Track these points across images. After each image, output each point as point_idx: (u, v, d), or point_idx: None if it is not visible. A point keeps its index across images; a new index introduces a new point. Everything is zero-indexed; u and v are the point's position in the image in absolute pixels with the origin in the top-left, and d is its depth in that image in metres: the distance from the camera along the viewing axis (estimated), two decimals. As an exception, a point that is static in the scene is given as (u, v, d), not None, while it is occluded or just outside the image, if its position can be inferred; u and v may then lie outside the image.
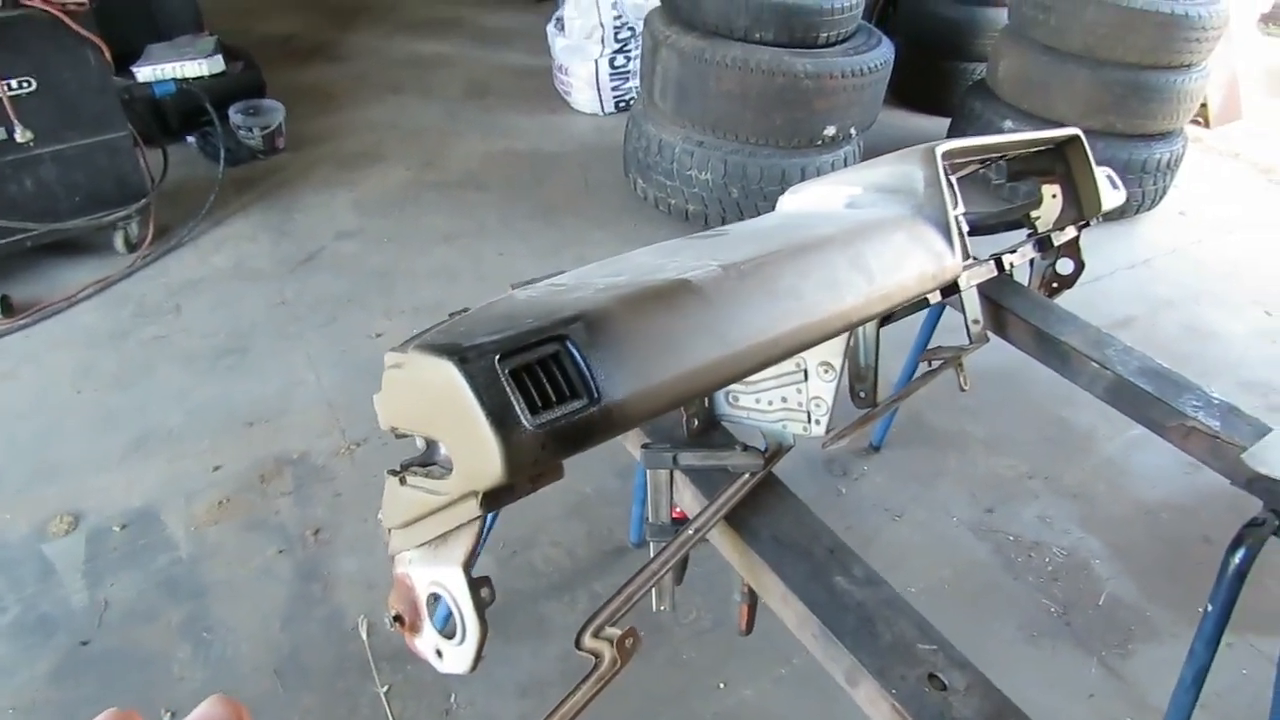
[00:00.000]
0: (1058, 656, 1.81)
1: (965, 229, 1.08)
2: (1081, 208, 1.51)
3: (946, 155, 1.03)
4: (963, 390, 1.41)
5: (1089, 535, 2.10)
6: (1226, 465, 1.20)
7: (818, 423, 1.00)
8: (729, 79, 2.77)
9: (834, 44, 2.93)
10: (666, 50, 2.86)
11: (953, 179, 1.04)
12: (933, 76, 4.24)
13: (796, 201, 1.10)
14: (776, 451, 1.06)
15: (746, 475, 1.02)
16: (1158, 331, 2.93)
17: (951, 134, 3.87)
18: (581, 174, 3.48)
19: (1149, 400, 1.27)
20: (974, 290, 1.35)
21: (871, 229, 0.90)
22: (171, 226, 2.88)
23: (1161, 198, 3.63)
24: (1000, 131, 3.49)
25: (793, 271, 0.78)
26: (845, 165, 3.13)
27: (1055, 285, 1.65)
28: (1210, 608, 1.20)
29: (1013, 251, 1.37)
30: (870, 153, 3.50)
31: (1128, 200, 3.51)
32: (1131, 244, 3.47)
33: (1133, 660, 1.81)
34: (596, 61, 3.85)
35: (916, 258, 0.93)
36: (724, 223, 3.00)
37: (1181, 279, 3.25)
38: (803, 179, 2.90)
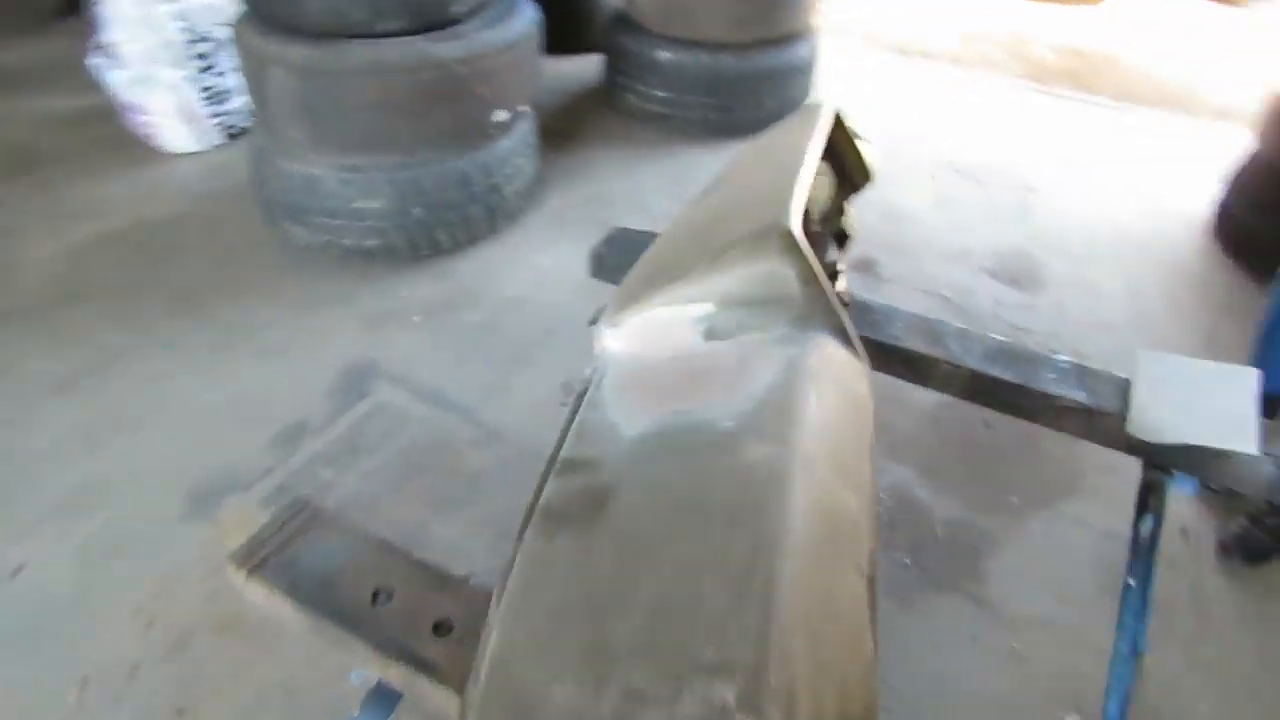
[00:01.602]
0: (931, 613, 1.77)
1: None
2: (854, 180, 1.34)
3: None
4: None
5: (900, 465, 2.09)
6: (1105, 435, 1.12)
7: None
8: (367, 88, 2.26)
9: (473, 17, 2.52)
10: (276, 69, 2.26)
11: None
12: (569, 15, 3.96)
13: (628, 340, 0.76)
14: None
15: None
16: (863, 225, 3.03)
17: (608, 73, 3.66)
18: (213, 237, 2.76)
19: (1012, 389, 1.15)
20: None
21: (789, 399, 0.60)
22: None
23: (808, 94, 3.75)
24: (655, 63, 3.34)
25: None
26: (526, 147, 2.79)
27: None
28: (1132, 581, 1.14)
29: (835, 272, 1.16)
30: (543, 115, 3.18)
31: (790, 101, 3.58)
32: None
33: (991, 581, 1.82)
34: (178, 88, 3.04)
35: (850, 401, 0.65)
36: (416, 252, 2.54)
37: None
38: (486, 175, 2.52)
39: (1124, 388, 1.13)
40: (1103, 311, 2.64)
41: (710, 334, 0.72)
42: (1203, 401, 1.08)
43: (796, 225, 0.73)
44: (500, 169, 2.64)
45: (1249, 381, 1.09)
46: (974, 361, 1.16)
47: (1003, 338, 1.22)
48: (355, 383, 2.21)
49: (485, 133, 2.54)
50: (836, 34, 4.63)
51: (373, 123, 2.34)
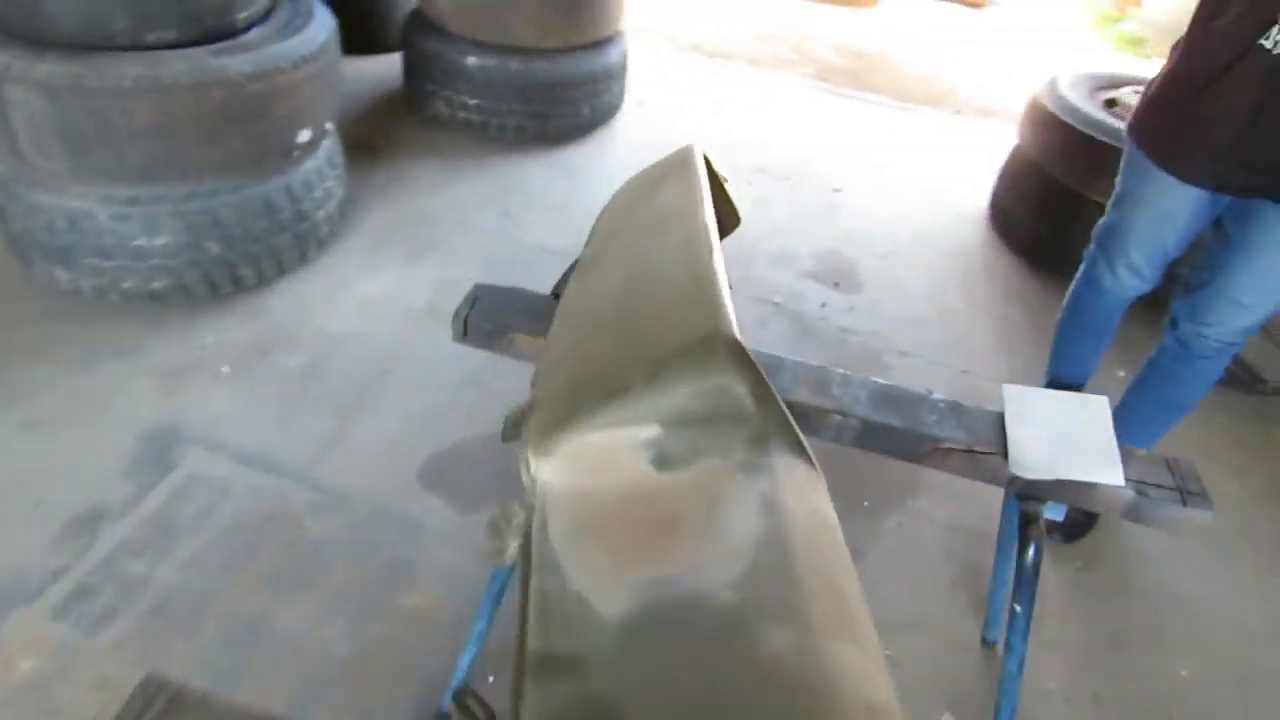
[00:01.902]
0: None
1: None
2: (724, 224, 1.32)
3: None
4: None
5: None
6: (987, 473, 1.18)
7: None
8: (141, 109, 1.94)
9: (260, 25, 2.24)
10: (15, 88, 1.88)
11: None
12: (362, 13, 3.67)
13: (565, 470, 0.67)
14: None
15: None
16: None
17: (412, 78, 3.42)
18: (-55, 283, 2.29)
19: (899, 434, 1.17)
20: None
21: (785, 559, 0.55)
22: None
23: (622, 98, 3.73)
24: (465, 69, 3.17)
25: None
26: (334, 166, 2.54)
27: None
28: (1019, 608, 1.21)
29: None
30: (345, 125, 2.94)
31: (607, 106, 3.54)
32: (617, 146, 3.54)
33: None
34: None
35: (829, 530, 0.61)
36: (216, 291, 2.25)
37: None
38: (292, 200, 2.28)
39: (998, 424, 1.19)
40: (913, 307, 2.84)
41: (662, 461, 0.65)
42: (1068, 434, 1.16)
43: (736, 330, 0.68)
44: (307, 192, 2.38)
45: (1102, 411, 1.19)
46: (862, 410, 1.18)
47: (881, 380, 1.24)
48: (158, 453, 1.91)
49: (287, 154, 2.28)
50: (637, 35, 4.65)
51: (151, 149, 2.01)
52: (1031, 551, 1.17)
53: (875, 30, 5.54)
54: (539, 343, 1.19)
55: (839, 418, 1.18)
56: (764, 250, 3.01)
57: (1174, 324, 1.86)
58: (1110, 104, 3.03)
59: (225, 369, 2.15)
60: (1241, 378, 2.64)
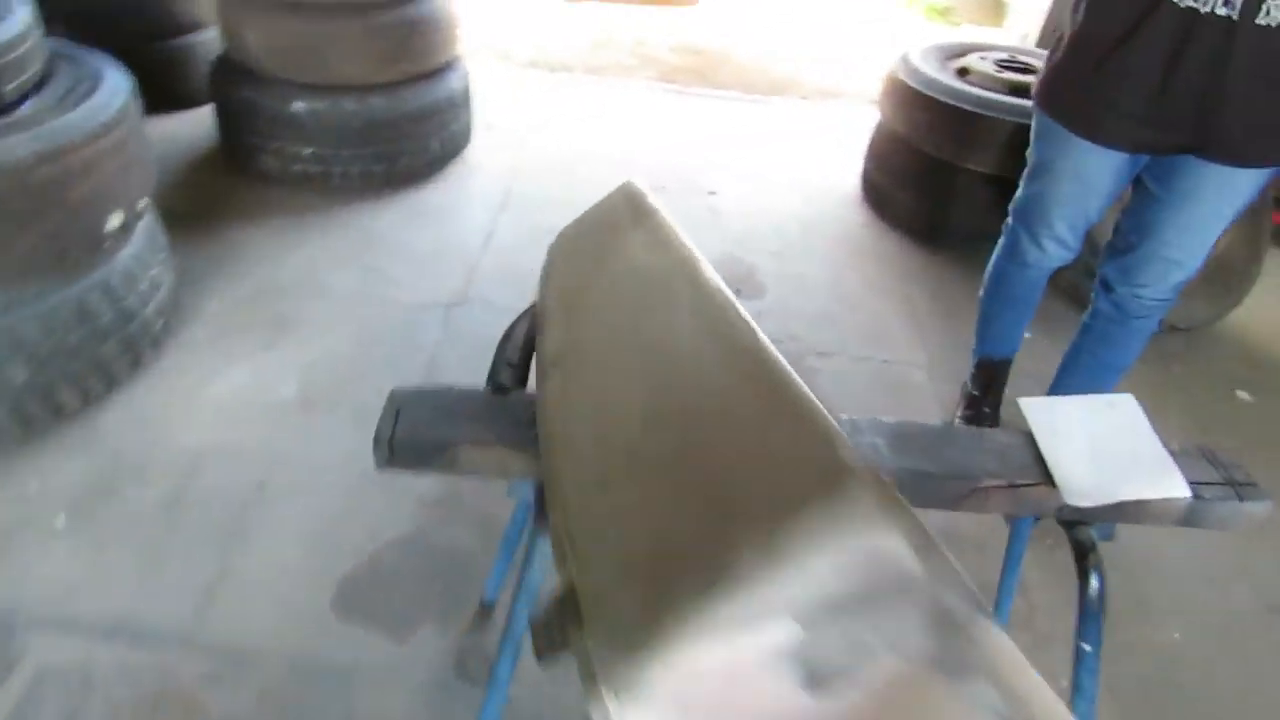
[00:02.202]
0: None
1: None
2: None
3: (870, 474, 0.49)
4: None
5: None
6: (1031, 507, 1.03)
7: None
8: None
9: (34, 93, 1.83)
10: None
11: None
12: (154, 64, 3.18)
13: (671, 713, 0.44)
14: None
15: None
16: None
17: (228, 131, 3.01)
18: None
19: (935, 481, 1.01)
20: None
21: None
22: None
23: (470, 126, 3.45)
24: (292, 116, 2.81)
25: None
26: (156, 248, 2.14)
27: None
28: (1088, 647, 1.08)
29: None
30: (159, 196, 2.54)
31: (456, 136, 3.26)
32: (477, 178, 3.27)
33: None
34: None
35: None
36: (30, 427, 1.84)
37: (540, 182, 3.24)
38: (112, 299, 1.91)
39: (1029, 446, 1.05)
40: (819, 303, 2.75)
41: (815, 679, 0.43)
42: (1107, 444, 1.04)
43: (860, 457, 0.48)
44: (129, 286, 1.99)
45: (1134, 411, 1.07)
46: (887, 460, 1.01)
47: (889, 419, 1.08)
48: (-12, 650, 1.50)
49: (96, 246, 1.88)
50: (471, 58, 4.38)
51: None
52: (1095, 584, 1.04)
53: (705, 26, 5.51)
54: (492, 451, 0.94)
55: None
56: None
57: (1107, 288, 1.82)
58: (963, 72, 3.06)
59: (60, 521, 1.74)
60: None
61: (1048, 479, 1.01)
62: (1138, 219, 1.70)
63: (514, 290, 2.53)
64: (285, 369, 2.19)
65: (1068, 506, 1.01)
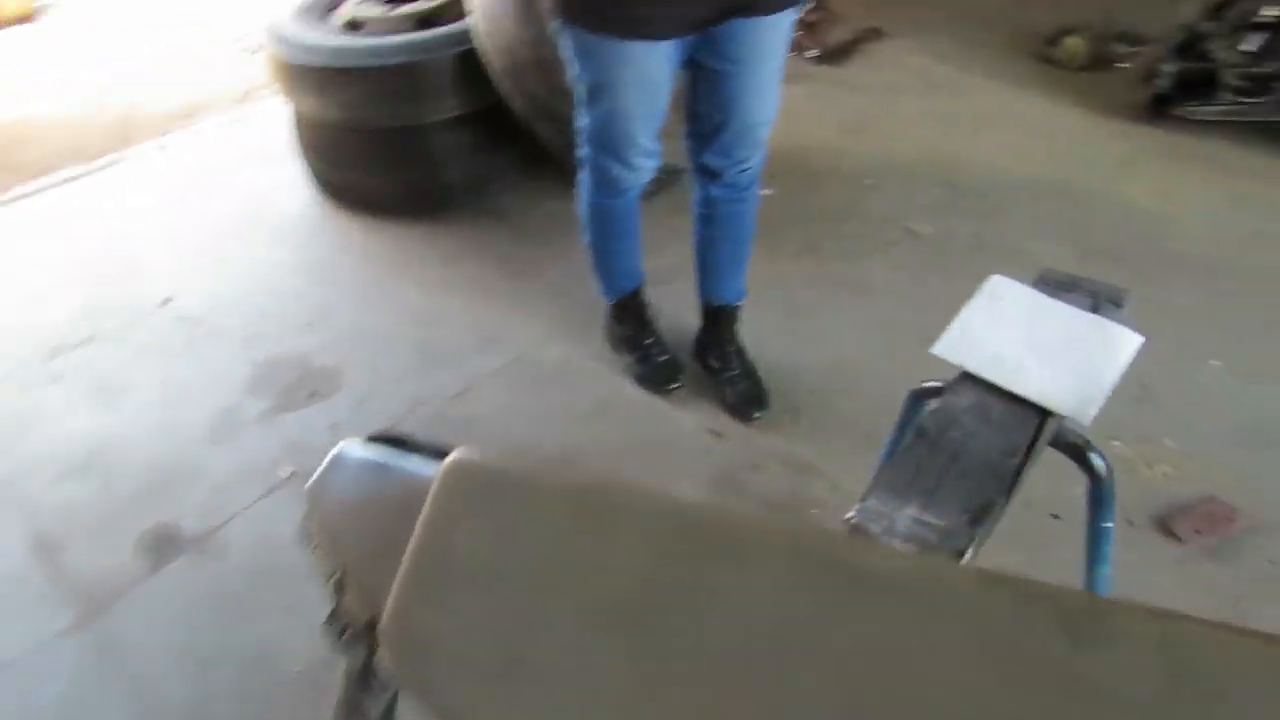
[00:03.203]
0: None
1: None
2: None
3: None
4: None
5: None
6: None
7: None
8: None
9: None
10: None
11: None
12: None
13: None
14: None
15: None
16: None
17: None
18: None
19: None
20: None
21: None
22: None
23: None
24: None
25: None
26: None
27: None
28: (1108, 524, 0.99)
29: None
30: None
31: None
32: None
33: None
34: None
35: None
36: None
37: None
38: None
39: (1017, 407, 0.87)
40: (379, 346, 2.27)
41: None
42: (1045, 344, 0.90)
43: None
44: None
45: (1017, 290, 0.96)
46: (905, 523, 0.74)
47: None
48: None
49: None
50: None
51: None
52: (1102, 469, 0.94)
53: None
54: None
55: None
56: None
57: (712, 174, 1.73)
58: (354, 25, 2.63)
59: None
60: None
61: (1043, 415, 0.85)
62: (715, 99, 1.61)
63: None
64: None
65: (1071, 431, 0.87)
